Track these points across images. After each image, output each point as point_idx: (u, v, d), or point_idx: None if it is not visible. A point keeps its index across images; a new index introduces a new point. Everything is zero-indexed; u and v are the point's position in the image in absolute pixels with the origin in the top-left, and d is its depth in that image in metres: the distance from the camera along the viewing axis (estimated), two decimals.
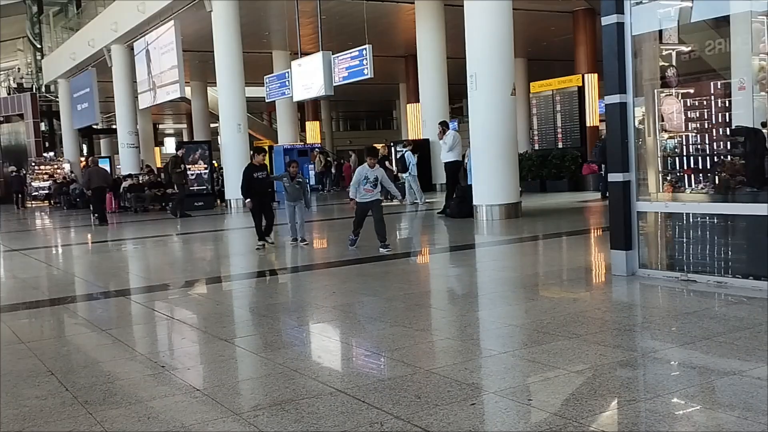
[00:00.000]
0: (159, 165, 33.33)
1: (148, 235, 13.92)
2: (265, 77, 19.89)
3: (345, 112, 51.13)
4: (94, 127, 33.14)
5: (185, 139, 46.82)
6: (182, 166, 17.67)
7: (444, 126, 13.70)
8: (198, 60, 25.82)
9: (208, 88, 34.18)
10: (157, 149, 41.12)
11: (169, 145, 51.05)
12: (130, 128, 26.72)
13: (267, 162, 21.27)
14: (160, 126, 53.50)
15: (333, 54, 15.99)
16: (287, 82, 18.48)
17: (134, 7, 22.97)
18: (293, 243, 10.10)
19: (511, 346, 4.47)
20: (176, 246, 12.56)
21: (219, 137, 22.45)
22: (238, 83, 19.37)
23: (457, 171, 13.56)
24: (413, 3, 20.96)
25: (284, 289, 7.56)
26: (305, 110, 36.49)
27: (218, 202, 21.16)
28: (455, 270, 8.12)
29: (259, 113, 43.73)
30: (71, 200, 25.65)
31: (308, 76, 16.97)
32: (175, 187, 17.83)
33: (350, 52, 15.50)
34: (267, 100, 20.92)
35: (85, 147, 38.23)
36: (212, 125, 35.63)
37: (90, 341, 5.24)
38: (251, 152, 9.82)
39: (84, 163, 26.84)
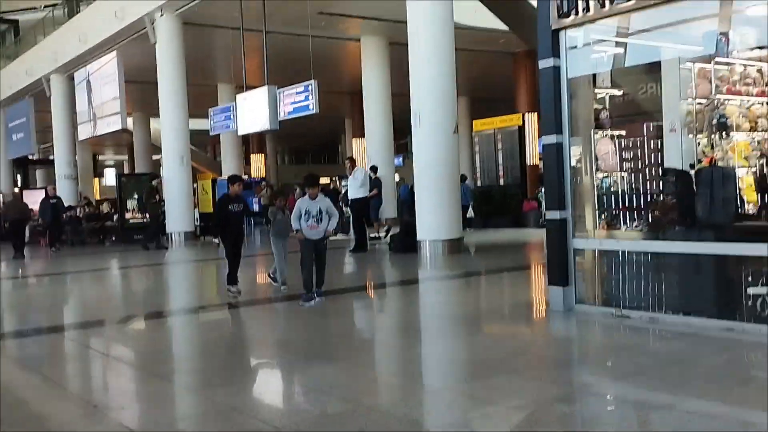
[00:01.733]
0: (98, 197, 32.55)
1: (74, 270, 13.53)
2: (209, 110, 19.78)
3: (291, 145, 51.03)
4: (30, 157, 32.18)
5: (126, 170, 45.92)
6: (157, 196, 17.22)
7: (352, 162, 13.89)
8: (141, 91, 25.45)
9: (151, 119, 33.72)
10: (96, 180, 40.16)
11: (109, 177, 49.94)
12: (69, 159, 26.08)
13: (210, 196, 21.12)
14: (100, 157, 52.30)
15: (279, 88, 16.05)
16: (232, 115, 18.40)
17: (76, 36, 22.62)
18: (281, 286, 8.67)
19: (453, 382, 4.51)
20: (110, 280, 12.23)
21: (161, 169, 22.11)
22: (181, 115, 19.18)
23: (365, 207, 13.69)
24: (359, 40, 21.27)
25: (226, 324, 7.44)
26: (250, 143, 36.31)
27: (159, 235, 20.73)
28: (399, 305, 8.15)
29: (203, 146, 43.30)
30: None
31: (254, 110, 16.95)
32: (149, 218, 17.23)
33: (296, 87, 15.58)
34: (211, 133, 20.77)
35: (20, 178, 37.04)
36: (154, 157, 35.07)
37: (18, 380, 5.04)
38: (227, 182, 8.68)
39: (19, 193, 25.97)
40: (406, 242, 12.68)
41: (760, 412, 3.61)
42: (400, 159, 34.06)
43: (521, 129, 20.47)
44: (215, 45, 21.57)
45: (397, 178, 27.94)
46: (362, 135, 23.75)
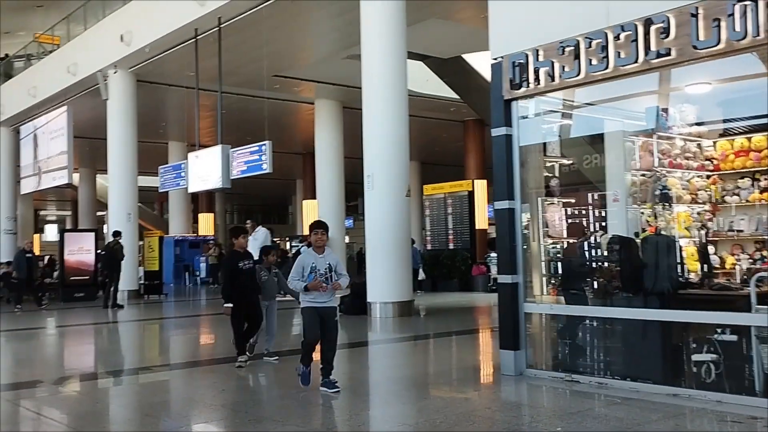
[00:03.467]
0: (38, 252, 31.53)
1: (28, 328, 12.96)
2: (159, 167, 19.59)
3: (240, 204, 50.75)
4: None
5: (68, 226, 44.76)
6: (122, 254, 16.60)
7: (253, 224, 13.98)
8: (88, 147, 25.12)
9: (98, 175, 33.17)
10: (36, 236, 38.95)
11: (50, 232, 48.51)
12: (9, 213, 25.31)
13: (157, 254, 20.67)
14: (42, 212, 50.96)
15: (232, 148, 16.05)
16: (183, 173, 18.26)
17: (25, 90, 22.32)
18: (268, 356, 7.70)
19: None
20: (51, 340, 11.74)
21: (105, 226, 21.63)
22: (130, 172, 18.94)
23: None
24: (313, 103, 21.57)
25: (170, 386, 7.20)
26: (199, 201, 35.96)
27: (100, 292, 20.09)
28: (348, 368, 8.02)
29: (150, 202, 42.67)
30: None
31: (205, 168, 16.86)
32: (112, 277, 16.42)
33: (249, 147, 15.61)
34: (160, 190, 20.52)
35: None
36: (99, 213, 34.33)
37: None
38: (230, 235, 7.87)
39: None
40: (355, 304, 12.62)
41: None
42: (351, 221, 34.18)
43: (471, 194, 20.83)
44: (168, 103, 21.57)
45: (347, 240, 28.01)
46: (313, 196, 23.83)
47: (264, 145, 14.90)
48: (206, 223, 36.21)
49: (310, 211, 26.71)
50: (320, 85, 20.10)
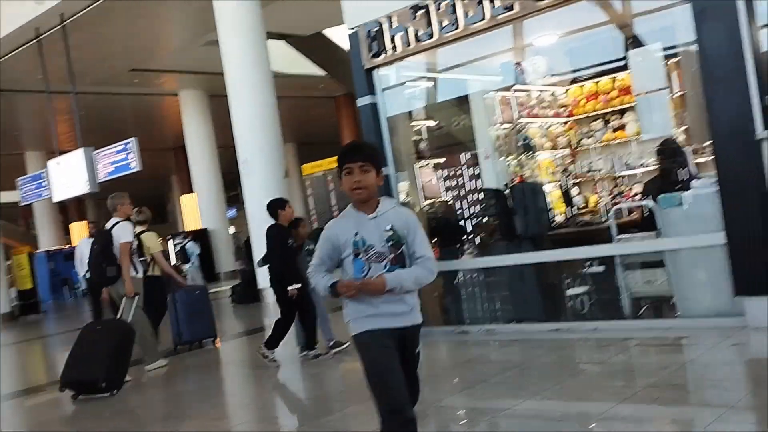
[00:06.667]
0: None
1: None
2: (17, 180, 18.35)
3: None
4: None
5: None
6: None
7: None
8: None
9: None
10: None
11: None
12: None
13: (28, 272, 19.47)
14: None
15: (95, 150, 15.28)
16: (45, 182, 17.20)
17: None
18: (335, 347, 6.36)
19: (307, 419, 4.50)
20: None
21: None
22: None
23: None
24: (177, 95, 20.87)
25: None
26: (68, 211, 34.04)
27: None
28: (246, 356, 7.96)
29: (14, 219, 39.98)
30: None
31: (69, 175, 15.94)
32: None
33: (114, 147, 14.89)
34: (22, 203, 19.25)
35: None
36: None
37: None
38: (274, 208, 6.39)
39: None
40: (247, 292, 12.48)
41: (589, 402, 3.97)
42: (234, 210, 33.52)
43: None
44: (20, 110, 20.19)
45: (233, 230, 27.49)
46: (191, 190, 23.17)
47: (129, 142, 14.28)
48: (79, 233, 34.40)
49: (189, 206, 25.97)
50: (182, 75, 19.46)
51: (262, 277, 12.20)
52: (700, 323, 5.05)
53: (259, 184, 12.05)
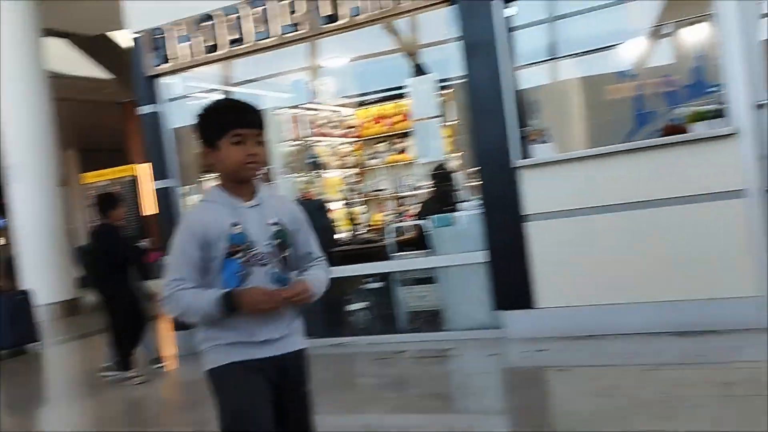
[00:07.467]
0: None
1: None
2: None
3: None
4: None
5: None
6: None
7: None
8: None
9: None
10: None
11: None
12: None
13: None
14: None
15: None
16: None
17: None
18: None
19: None
20: None
21: None
22: None
23: None
24: None
25: None
26: None
27: None
28: (21, 378, 7.20)
29: None
30: None
31: None
32: None
33: None
34: None
35: None
36: None
37: None
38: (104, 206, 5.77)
39: None
40: None
41: (357, 414, 4.11)
42: (3, 222, 30.31)
43: (135, 179, 19.94)
44: None
45: (2, 241, 24.75)
46: None
47: None
48: None
49: None
50: None
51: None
52: (466, 335, 5.43)
53: (29, 191, 11.06)
